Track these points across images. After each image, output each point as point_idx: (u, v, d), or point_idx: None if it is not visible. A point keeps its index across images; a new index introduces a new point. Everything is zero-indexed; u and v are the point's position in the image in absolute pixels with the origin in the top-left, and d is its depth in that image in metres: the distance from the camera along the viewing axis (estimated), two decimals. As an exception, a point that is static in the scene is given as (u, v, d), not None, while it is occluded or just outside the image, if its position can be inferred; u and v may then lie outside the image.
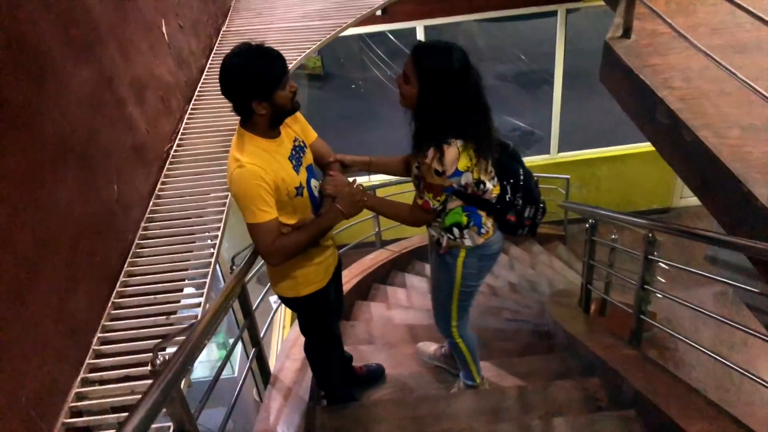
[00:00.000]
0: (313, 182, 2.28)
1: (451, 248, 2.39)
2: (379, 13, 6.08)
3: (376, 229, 5.38)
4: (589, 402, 2.75)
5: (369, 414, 2.80)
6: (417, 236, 5.94)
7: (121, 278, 2.24)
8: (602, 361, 2.85)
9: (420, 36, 6.42)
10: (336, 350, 2.81)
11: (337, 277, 2.57)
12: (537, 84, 8.35)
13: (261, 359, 2.82)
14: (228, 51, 2.05)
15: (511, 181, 2.32)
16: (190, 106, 3.30)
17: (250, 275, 2.69)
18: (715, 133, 2.26)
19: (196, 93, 3.42)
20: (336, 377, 2.86)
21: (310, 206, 2.26)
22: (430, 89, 2.02)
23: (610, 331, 3.27)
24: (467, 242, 2.35)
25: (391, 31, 8.61)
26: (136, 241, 2.41)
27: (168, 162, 2.87)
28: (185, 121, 3.17)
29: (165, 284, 2.25)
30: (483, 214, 2.34)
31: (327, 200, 2.28)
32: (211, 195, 2.69)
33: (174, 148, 2.96)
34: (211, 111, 3.27)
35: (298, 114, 2.28)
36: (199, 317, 2.10)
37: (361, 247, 5.49)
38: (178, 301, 2.19)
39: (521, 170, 2.36)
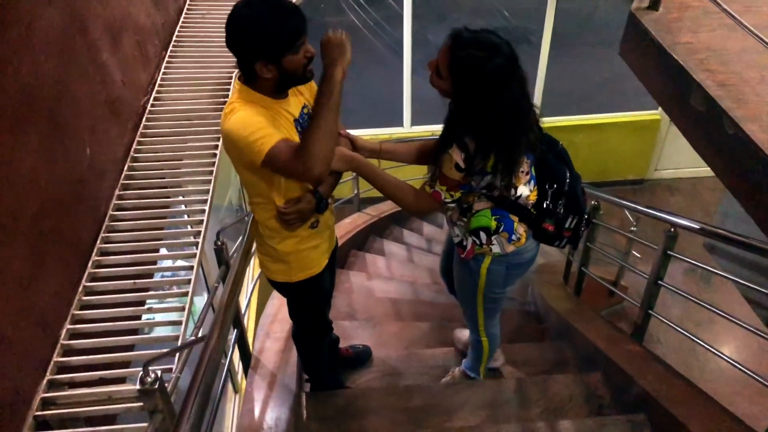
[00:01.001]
0: None
1: (475, 254, 2.15)
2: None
3: (355, 191, 5.11)
4: (591, 399, 2.63)
5: (359, 404, 2.61)
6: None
7: (93, 257, 1.94)
8: (605, 355, 2.71)
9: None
10: (326, 337, 2.59)
11: (332, 262, 2.32)
12: (516, 42, 8.07)
13: (242, 340, 2.58)
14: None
15: (555, 186, 2.07)
16: (168, 52, 2.93)
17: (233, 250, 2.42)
18: (763, 128, 2.07)
19: (174, 37, 3.04)
20: (324, 364, 2.65)
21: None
22: (464, 91, 1.80)
23: (609, 323, 3.14)
24: (495, 249, 2.10)
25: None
26: (110, 212, 2.09)
27: (144, 118, 2.52)
28: (162, 70, 2.80)
29: (144, 266, 1.97)
30: (515, 219, 2.08)
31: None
32: (195, 156, 2.38)
33: (150, 102, 2.61)
34: (192, 59, 2.91)
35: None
36: (186, 307, 1.84)
37: (337, 207, 5.22)
38: (160, 287, 1.91)
39: (568, 174, 2.09)
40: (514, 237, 2.09)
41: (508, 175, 1.90)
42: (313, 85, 2.01)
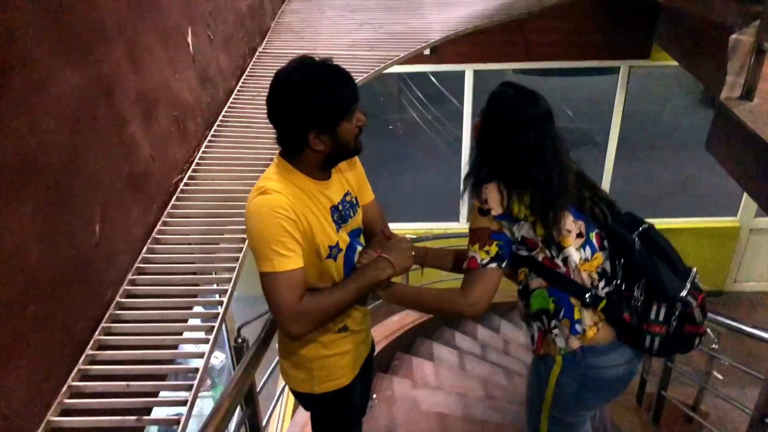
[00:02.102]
0: (358, 251, 1.72)
1: (546, 353, 1.78)
2: (427, 52, 5.62)
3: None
4: None
5: None
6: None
7: (88, 351, 1.66)
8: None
9: (468, 80, 5.92)
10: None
11: (366, 372, 1.98)
12: (580, 143, 7.84)
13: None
14: (263, 73, 1.54)
15: (622, 259, 1.71)
16: (212, 132, 2.77)
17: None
18: None
19: (221, 118, 2.90)
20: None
21: (342, 274, 1.70)
22: (485, 131, 1.76)
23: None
24: (559, 342, 1.73)
25: (434, 73, 8.22)
26: (117, 299, 1.84)
27: (175, 197, 2.32)
28: (203, 149, 2.64)
29: (145, 365, 1.67)
30: (576, 303, 1.71)
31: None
32: (224, 242, 2.13)
33: (185, 181, 2.42)
34: (236, 140, 2.74)
35: (355, 159, 1.76)
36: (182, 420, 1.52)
37: (382, 305, 4.88)
38: (156, 394, 1.60)
39: (638, 246, 1.69)
40: (578, 328, 1.70)
41: (544, 223, 1.66)
42: (357, 162, 1.78)
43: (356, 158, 1.81)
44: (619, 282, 1.73)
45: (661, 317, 1.66)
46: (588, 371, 1.73)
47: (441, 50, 5.62)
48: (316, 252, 1.62)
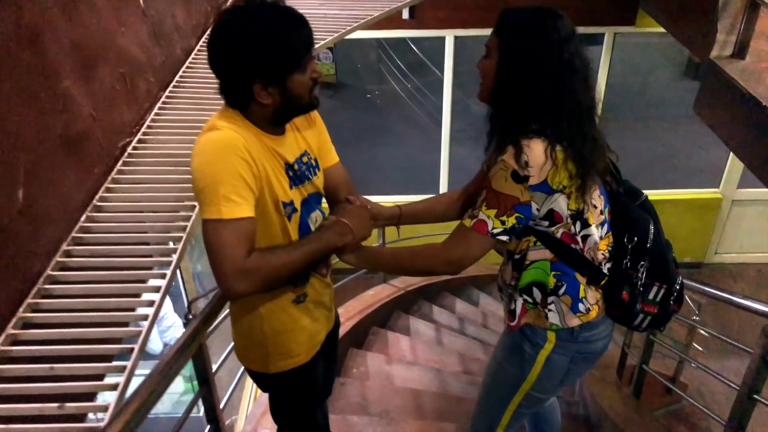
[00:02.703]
0: (315, 215, 1.55)
1: (530, 326, 1.62)
2: (406, 16, 5.40)
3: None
4: None
5: None
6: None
7: (9, 329, 1.48)
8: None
9: (449, 47, 5.71)
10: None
11: (329, 349, 1.82)
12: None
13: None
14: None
15: (635, 239, 1.57)
16: (166, 93, 2.56)
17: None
18: None
19: (177, 78, 2.69)
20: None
21: (296, 237, 1.53)
22: (511, 60, 1.44)
23: None
24: (552, 318, 1.58)
25: (414, 40, 7.98)
26: (48, 272, 1.65)
27: (121, 162, 2.12)
28: (156, 110, 2.43)
29: (73, 345, 1.50)
30: (582, 281, 1.57)
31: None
32: (171, 210, 1.95)
33: (133, 144, 2.22)
34: (194, 102, 2.53)
35: (316, 117, 1.58)
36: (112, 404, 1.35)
37: (362, 278, 4.72)
38: (85, 377, 1.43)
39: (652, 227, 1.59)
40: (581, 307, 1.57)
41: (582, 193, 1.44)
42: (316, 119, 1.60)
43: (316, 115, 1.62)
44: (627, 260, 1.59)
45: (659, 298, 1.61)
46: (582, 346, 1.62)
47: (420, 15, 5.40)
48: (274, 204, 1.44)
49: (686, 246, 6.94)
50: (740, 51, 2.30)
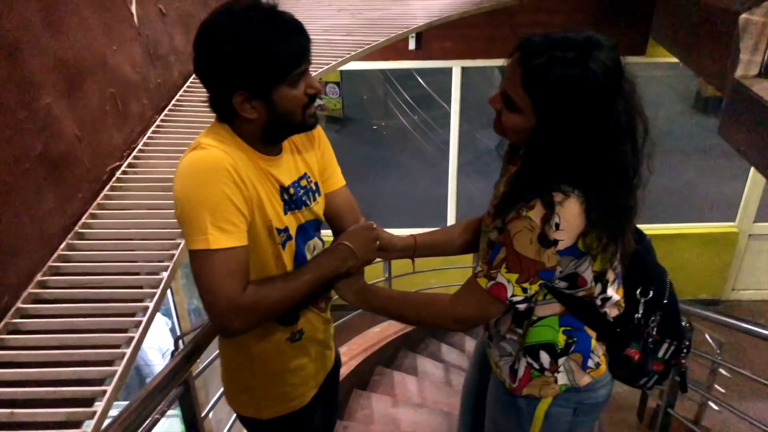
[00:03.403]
0: (313, 243, 1.40)
1: (530, 395, 1.43)
2: (412, 47, 5.33)
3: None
4: None
5: None
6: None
7: (-31, 369, 1.32)
8: None
9: (456, 78, 5.62)
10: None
11: (329, 391, 1.64)
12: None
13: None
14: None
15: (650, 293, 1.40)
16: (161, 116, 2.44)
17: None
18: None
19: (174, 102, 2.57)
20: None
21: (290, 267, 1.37)
22: (552, 114, 1.17)
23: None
24: (561, 380, 1.40)
25: (420, 74, 7.94)
26: (18, 304, 1.50)
27: (108, 187, 1.99)
28: (148, 134, 2.31)
29: (39, 388, 1.33)
30: (593, 334, 1.40)
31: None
32: (160, 237, 1.80)
33: (123, 168, 2.08)
34: (189, 127, 2.40)
35: (320, 136, 1.43)
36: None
37: (365, 314, 4.52)
38: (59, 425, 1.26)
39: (668, 279, 1.44)
40: (590, 363, 1.40)
41: (609, 257, 1.24)
42: (321, 138, 1.45)
43: (321, 134, 1.47)
44: (641, 316, 1.42)
45: (668, 355, 1.47)
46: (584, 395, 1.43)
47: (426, 45, 5.33)
48: (267, 230, 1.28)
49: (702, 282, 6.73)
50: (767, 70, 2.17)
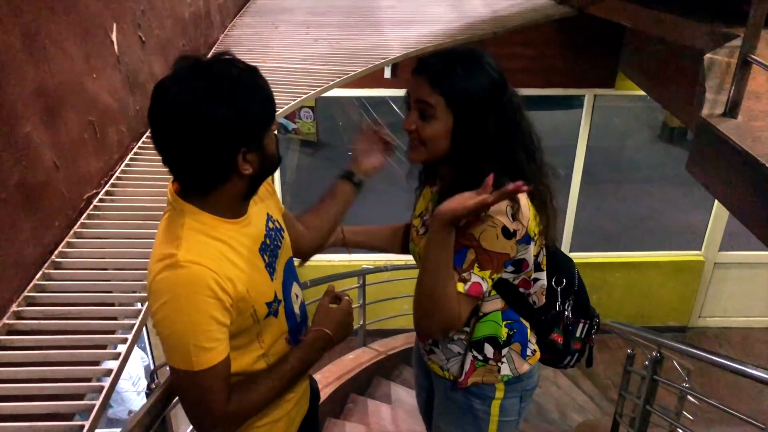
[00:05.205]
0: (296, 289, 1.40)
1: (477, 385, 1.55)
2: (388, 75, 5.42)
3: (361, 321, 4.44)
4: None
5: None
6: (404, 335, 4.90)
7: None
8: None
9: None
10: None
11: (310, 426, 1.64)
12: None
13: None
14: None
15: (564, 281, 1.59)
16: (139, 144, 2.44)
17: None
18: None
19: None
20: None
21: (286, 330, 1.39)
22: (472, 116, 1.34)
23: None
24: (504, 370, 1.53)
25: (395, 100, 8.03)
26: (-8, 336, 1.47)
27: (85, 215, 1.97)
28: (126, 161, 2.30)
29: (15, 423, 1.30)
30: (528, 324, 1.56)
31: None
32: (138, 267, 1.78)
33: (100, 196, 2.07)
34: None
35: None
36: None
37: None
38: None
39: (575, 269, 1.67)
40: (528, 351, 1.56)
41: (544, 236, 1.45)
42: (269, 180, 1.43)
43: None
44: (559, 303, 1.60)
45: (583, 334, 1.65)
46: (526, 383, 1.61)
47: (402, 74, 5.42)
48: (252, 316, 1.26)
49: (670, 309, 6.86)
50: (732, 110, 2.26)
